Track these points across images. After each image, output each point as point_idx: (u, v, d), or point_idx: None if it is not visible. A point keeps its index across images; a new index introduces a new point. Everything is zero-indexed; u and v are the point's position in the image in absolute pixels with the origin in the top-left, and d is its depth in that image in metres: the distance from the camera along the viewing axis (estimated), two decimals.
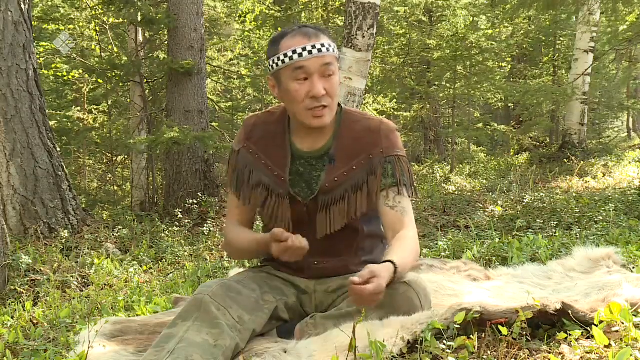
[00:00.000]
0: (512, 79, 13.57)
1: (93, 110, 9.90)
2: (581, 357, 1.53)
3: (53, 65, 9.87)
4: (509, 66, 14.33)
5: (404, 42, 11.08)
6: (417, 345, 1.61)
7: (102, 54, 9.26)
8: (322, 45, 1.88)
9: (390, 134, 1.99)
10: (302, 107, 1.89)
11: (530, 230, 4.08)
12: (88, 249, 4.45)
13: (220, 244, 4.70)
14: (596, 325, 1.64)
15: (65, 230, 4.61)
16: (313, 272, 2.03)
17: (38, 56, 8.55)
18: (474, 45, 10.06)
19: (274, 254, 1.85)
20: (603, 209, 4.45)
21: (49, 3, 8.88)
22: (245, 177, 2.04)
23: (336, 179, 1.96)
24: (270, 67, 1.94)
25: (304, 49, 1.86)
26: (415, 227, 1.98)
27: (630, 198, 5.00)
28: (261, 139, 2.04)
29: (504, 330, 1.60)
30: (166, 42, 7.42)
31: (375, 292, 1.64)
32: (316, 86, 1.86)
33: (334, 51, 1.92)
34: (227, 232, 2.11)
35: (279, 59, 1.90)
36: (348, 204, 1.95)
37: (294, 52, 1.87)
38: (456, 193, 6.76)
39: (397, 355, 1.61)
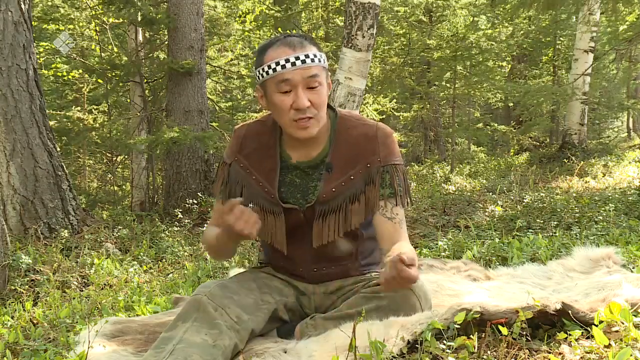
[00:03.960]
0: (512, 79, 13.57)
1: (93, 110, 9.91)
2: (581, 357, 1.53)
3: (53, 65, 9.88)
4: (509, 66, 14.33)
5: (404, 42, 11.08)
6: (417, 345, 1.61)
7: (102, 54, 9.27)
8: (307, 56, 1.82)
9: (387, 139, 1.95)
10: (287, 118, 1.85)
11: (530, 230, 4.07)
12: (88, 249, 4.44)
13: None
14: (596, 325, 1.64)
15: (65, 230, 4.61)
16: (312, 277, 2.03)
17: (38, 56, 8.55)
18: (474, 45, 10.05)
19: (231, 224, 1.75)
20: (603, 209, 4.44)
21: (49, 3, 8.88)
22: (237, 193, 2.01)
23: (334, 189, 1.93)
24: (257, 78, 1.90)
25: (287, 61, 1.81)
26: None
27: (630, 198, 4.99)
28: (253, 151, 2.00)
29: (504, 330, 1.60)
30: (166, 42, 7.42)
31: (412, 279, 1.59)
32: (300, 98, 1.81)
33: (320, 61, 1.84)
34: (204, 233, 2.09)
35: (263, 70, 1.85)
36: (345, 216, 1.93)
37: (277, 63, 1.81)
38: (456, 193, 6.75)
39: (397, 355, 1.61)
